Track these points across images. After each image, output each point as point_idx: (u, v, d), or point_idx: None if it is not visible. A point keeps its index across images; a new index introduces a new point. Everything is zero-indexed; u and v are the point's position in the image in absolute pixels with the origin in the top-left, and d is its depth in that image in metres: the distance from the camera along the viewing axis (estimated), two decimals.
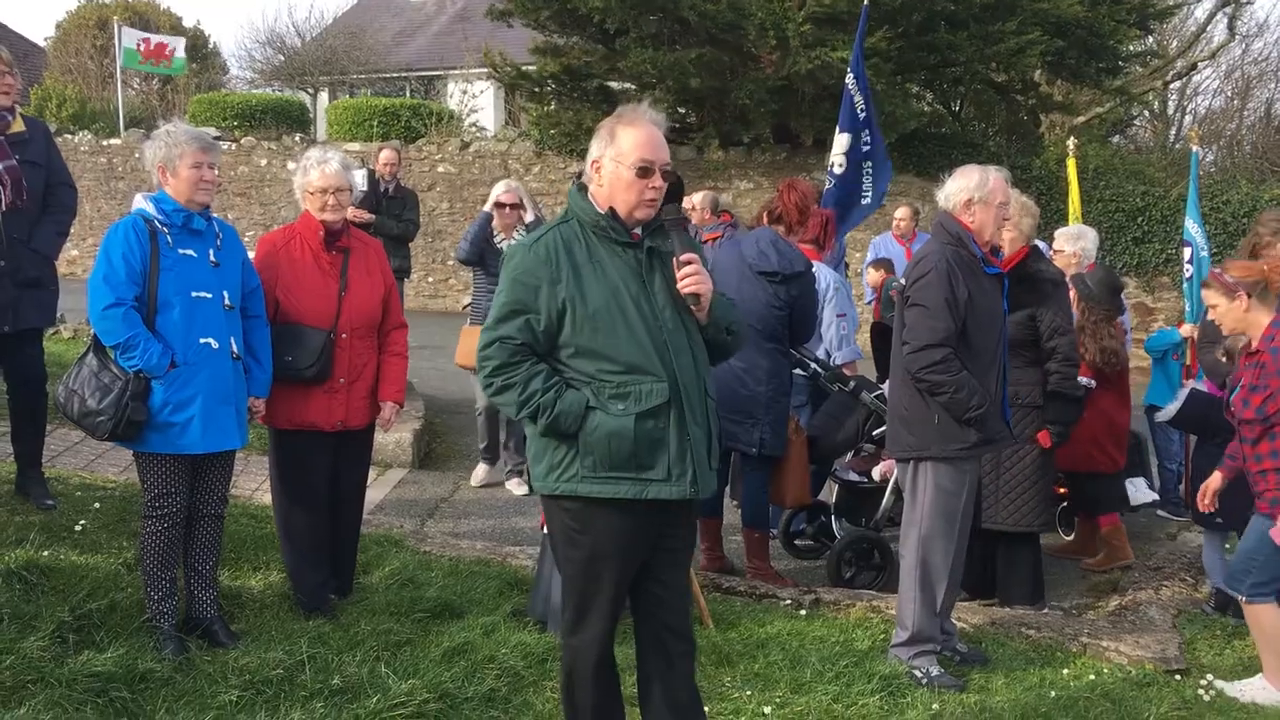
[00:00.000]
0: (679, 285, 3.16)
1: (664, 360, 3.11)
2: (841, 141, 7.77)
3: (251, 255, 4.46)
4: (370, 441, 4.86)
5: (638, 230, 3.18)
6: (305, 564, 4.59)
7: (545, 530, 4.65)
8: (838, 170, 7.77)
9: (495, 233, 6.84)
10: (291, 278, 4.50)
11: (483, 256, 6.81)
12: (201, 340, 4.00)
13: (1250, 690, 4.56)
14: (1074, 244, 6.48)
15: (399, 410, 4.80)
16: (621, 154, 3.14)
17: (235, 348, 4.11)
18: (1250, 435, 4.48)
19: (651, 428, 3.09)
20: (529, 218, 6.87)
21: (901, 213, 9.84)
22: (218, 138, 18.74)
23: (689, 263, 3.16)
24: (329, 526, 4.66)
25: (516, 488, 7.10)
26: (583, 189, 3.23)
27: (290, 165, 18.14)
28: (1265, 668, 4.58)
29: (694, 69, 13.66)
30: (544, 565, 4.67)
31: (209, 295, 4.05)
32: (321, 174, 4.53)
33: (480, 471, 7.33)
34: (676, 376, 3.11)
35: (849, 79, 7.76)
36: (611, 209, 3.16)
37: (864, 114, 7.81)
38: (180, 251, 4.02)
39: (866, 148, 7.87)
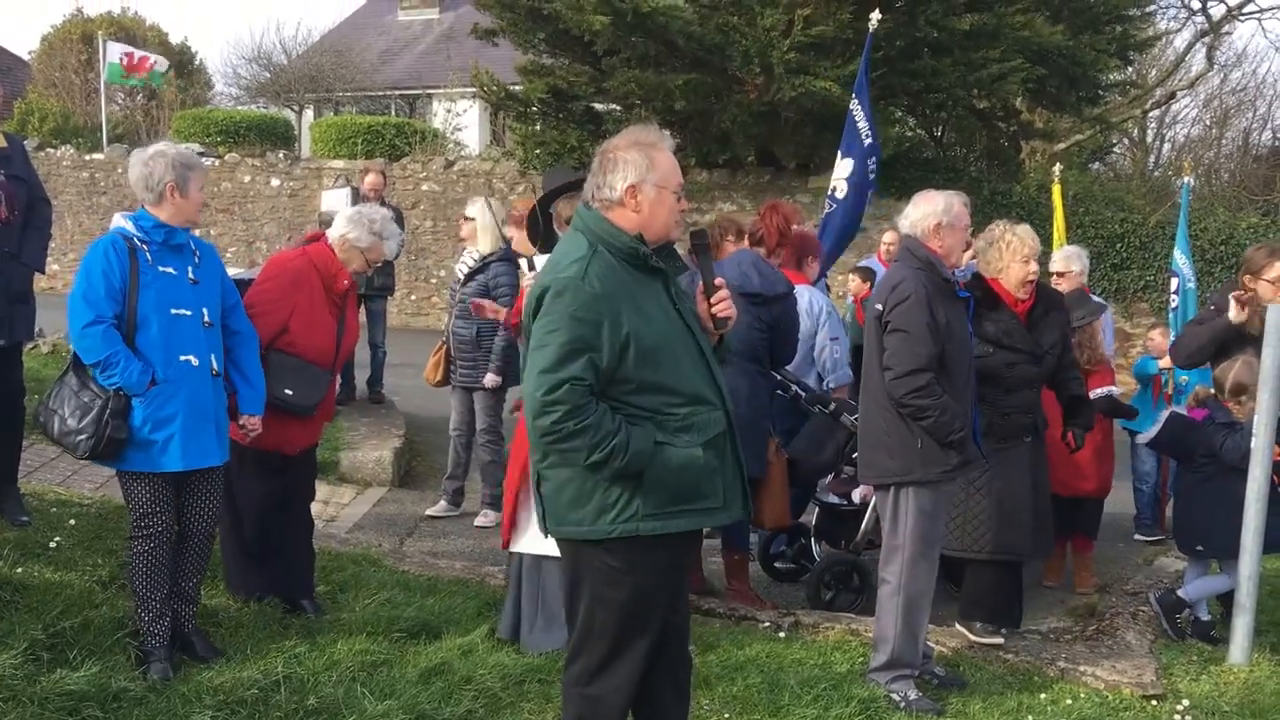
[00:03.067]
0: (714, 310, 3.17)
1: (713, 387, 3.10)
2: (844, 166, 7.73)
3: (233, 271, 4.49)
4: (315, 451, 5.05)
5: None
6: (250, 562, 4.71)
7: (512, 550, 4.64)
8: (839, 195, 7.75)
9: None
10: (310, 313, 4.57)
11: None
12: (181, 358, 3.99)
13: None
14: (1080, 262, 6.81)
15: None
16: (665, 178, 3.10)
17: (215, 364, 4.11)
18: None
19: (712, 456, 3.05)
20: (483, 241, 6.79)
21: (890, 237, 9.83)
22: (201, 154, 18.79)
23: (721, 288, 3.18)
24: (280, 532, 4.74)
25: (485, 520, 6.74)
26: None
27: (274, 182, 18.15)
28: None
29: (680, 91, 13.73)
30: (512, 585, 4.67)
31: (188, 312, 4.04)
32: (388, 250, 4.84)
33: (440, 508, 6.98)
34: (724, 401, 3.11)
35: (853, 103, 7.74)
36: (639, 235, 3.08)
37: (869, 140, 7.79)
38: (160, 269, 4.01)
39: (873, 174, 7.84)
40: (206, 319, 4.10)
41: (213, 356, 4.10)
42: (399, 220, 9.21)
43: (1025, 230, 5.02)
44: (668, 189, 3.11)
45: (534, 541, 4.50)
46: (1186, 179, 9.17)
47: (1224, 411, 5.30)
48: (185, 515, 4.17)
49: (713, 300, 3.18)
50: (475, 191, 16.66)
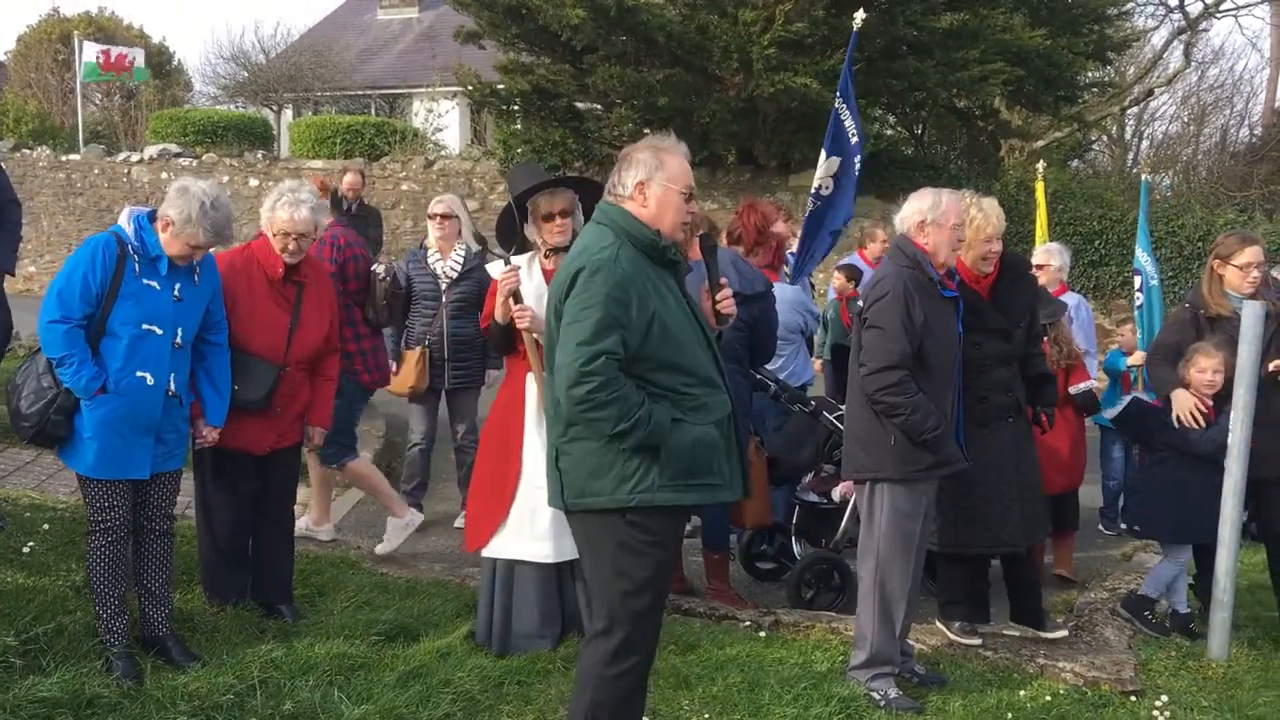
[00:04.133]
0: (719, 306, 3.46)
1: (719, 373, 3.33)
2: (830, 165, 7.69)
3: None
4: (299, 453, 4.95)
5: None
6: (223, 564, 4.66)
7: (485, 555, 4.59)
8: (825, 192, 7.71)
9: (430, 253, 6.68)
10: (247, 307, 4.50)
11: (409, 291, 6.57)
12: (138, 374, 3.97)
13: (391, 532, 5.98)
14: (1059, 258, 7.03)
15: (325, 434, 5.00)
16: (673, 178, 3.33)
17: (173, 385, 4.07)
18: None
19: (720, 436, 3.28)
20: (467, 237, 6.69)
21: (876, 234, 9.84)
22: (178, 154, 18.73)
23: (725, 286, 3.49)
24: (254, 536, 4.70)
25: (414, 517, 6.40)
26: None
27: (252, 182, 18.04)
28: (390, 510, 6.10)
29: (661, 88, 13.73)
30: (485, 590, 4.62)
31: (160, 331, 4.02)
32: (291, 218, 4.51)
33: (416, 517, 6.52)
34: (728, 387, 3.35)
35: (838, 101, 7.70)
36: (656, 230, 3.31)
37: (856, 139, 7.74)
38: (145, 281, 4.00)
39: (857, 172, 7.80)
40: (178, 340, 4.07)
41: (172, 377, 4.07)
42: (377, 221, 9.23)
43: (991, 205, 4.81)
44: (675, 188, 3.33)
45: (507, 546, 4.48)
46: (1145, 177, 9.27)
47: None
48: (140, 512, 4.15)
49: (718, 297, 3.46)
50: (456, 191, 16.61)
